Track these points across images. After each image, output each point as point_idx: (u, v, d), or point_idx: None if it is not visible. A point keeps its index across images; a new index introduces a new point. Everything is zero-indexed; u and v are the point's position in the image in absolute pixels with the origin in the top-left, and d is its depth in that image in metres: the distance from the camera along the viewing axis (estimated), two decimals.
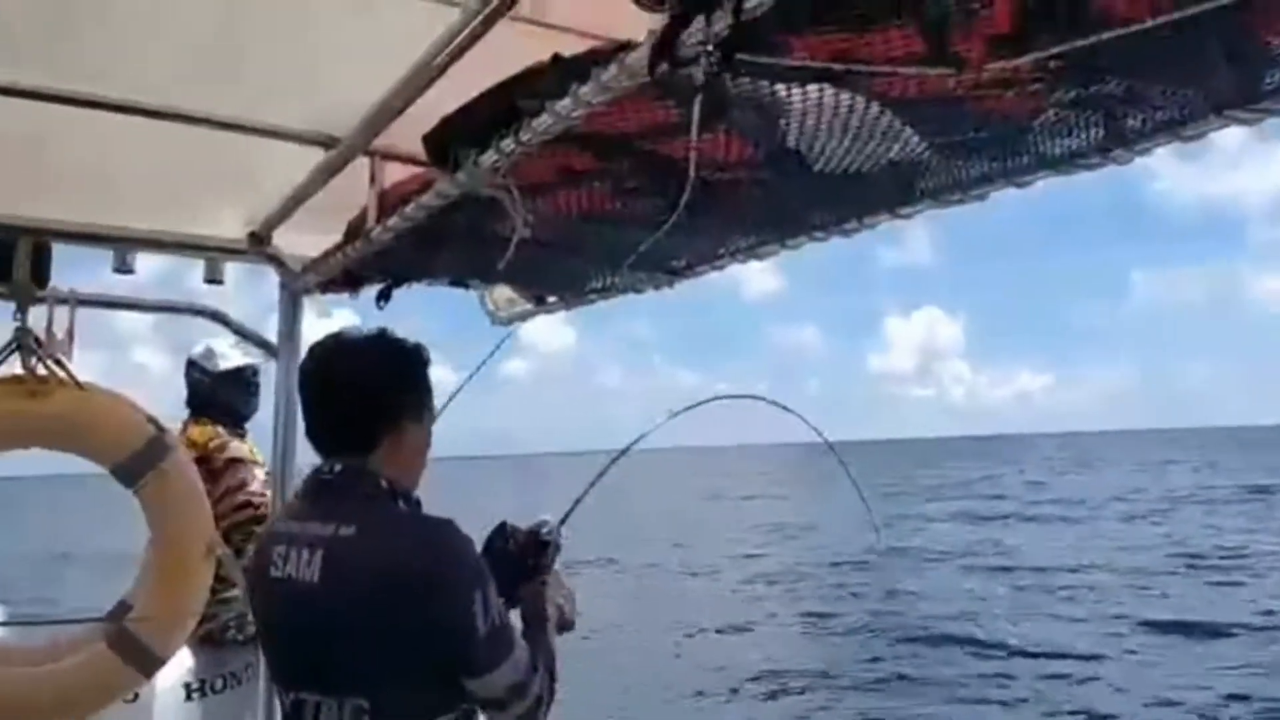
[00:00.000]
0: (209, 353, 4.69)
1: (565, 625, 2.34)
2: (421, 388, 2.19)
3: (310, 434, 2.14)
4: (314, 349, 2.17)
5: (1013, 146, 1.68)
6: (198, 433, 4.52)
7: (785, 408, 2.95)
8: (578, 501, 2.59)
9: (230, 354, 4.68)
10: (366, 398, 2.10)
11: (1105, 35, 1.17)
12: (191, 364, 4.73)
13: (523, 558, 2.38)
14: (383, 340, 2.16)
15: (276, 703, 3.44)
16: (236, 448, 4.57)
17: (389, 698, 1.92)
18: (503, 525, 2.43)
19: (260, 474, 4.52)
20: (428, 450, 2.22)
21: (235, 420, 4.72)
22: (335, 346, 2.15)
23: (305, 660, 2.01)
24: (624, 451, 2.75)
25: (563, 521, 2.51)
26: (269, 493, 4.42)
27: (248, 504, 4.42)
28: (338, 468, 2.08)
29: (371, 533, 1.97)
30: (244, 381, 4.74)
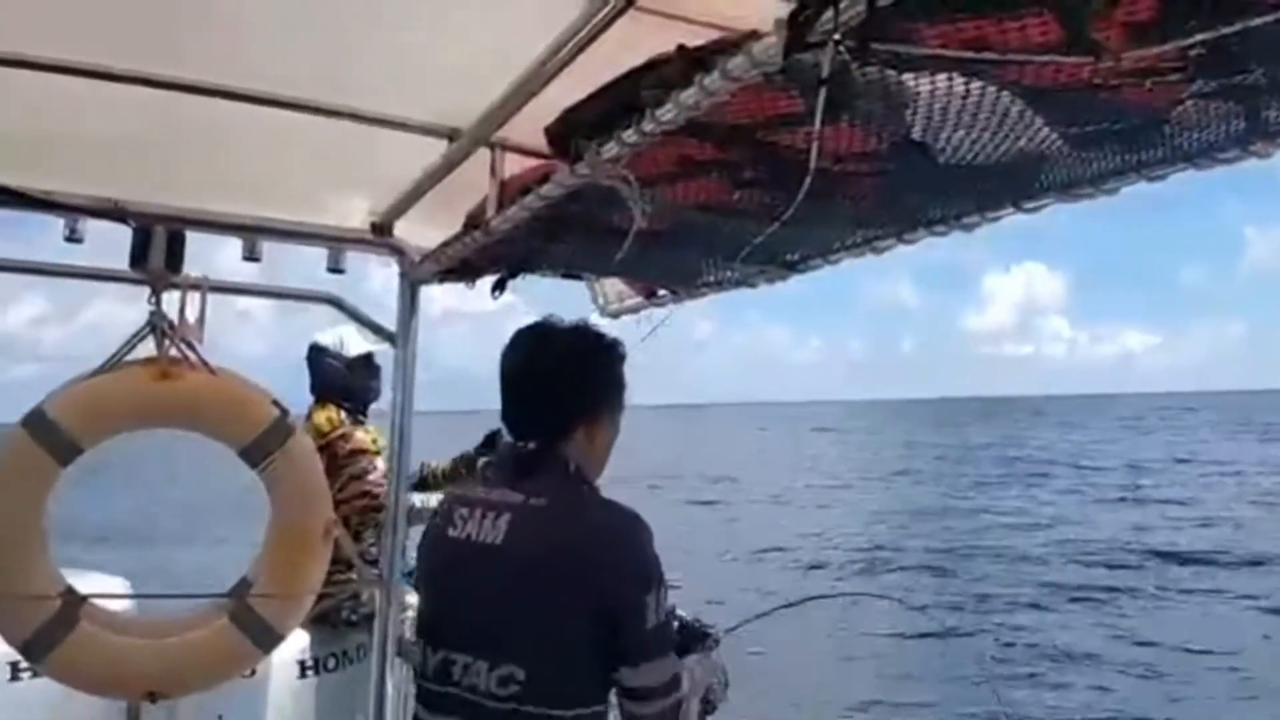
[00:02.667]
0: (340, 340, 4.82)
1: (710, 707, 2.37)
2: (619, 382, 2.29)
3: (506, 416, 2.23)
4: (518, 336, 2.25)
5: (1147, 139, 1.63)
6: (324, 419, 4.65)
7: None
8: (752, 619, 2.67)
9: (356, 340, 4.80)
10: (567, 386, 2.20)
11: (1253, 21, 1.13)
12: (321, 350, 4.85)
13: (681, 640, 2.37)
14: (586, 332, 2.26)
15: (389, 681, 3.56)
16: (360, 438, 4.69)
17: (543, 671, 1.95)
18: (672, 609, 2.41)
19: (381, 464, 4.62)
20: (614, 443, 2.30)
21: (361, 405, 4.84)
22: (540, 335, 2.24)
23: (466, 620, 2.06)
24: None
25: (732, 630, 2.64)
26: (388, 484, 4.54)
27: (366, 493, 4.53)
28: (533, 446, 2.16)
29: (562, 507, 2.05)
30: (372, 366, 4.86)
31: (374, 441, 4.72)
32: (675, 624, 2.36)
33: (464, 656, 2.01)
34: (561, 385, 2.19)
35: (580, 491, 2.13)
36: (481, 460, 4.72)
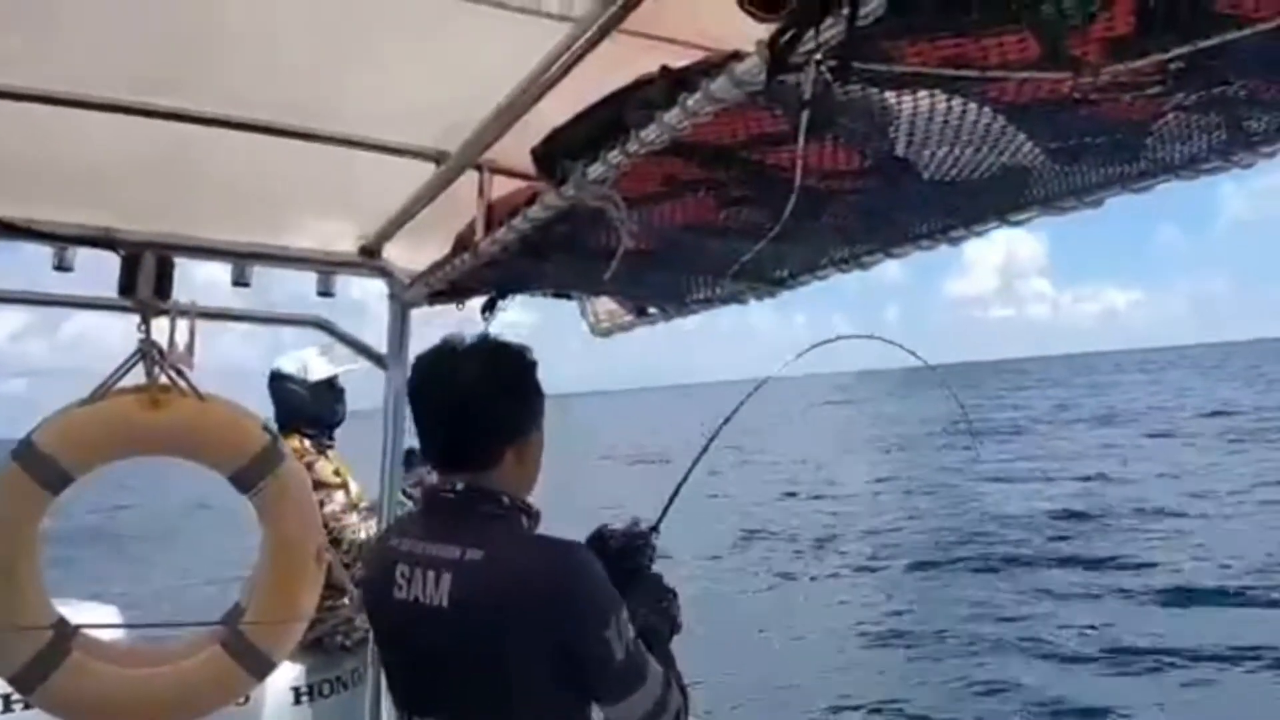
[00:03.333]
0: (303, 365, 4.75)
1: (675, 629, 2.27)
2: (537, 392, 2.12)
3: (426, 450, 2.10)
4: (422, 361, 2.10)
5: (1129, 151, 1.65)
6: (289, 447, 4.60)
7: (900, 345, 3.29)
8: (674, 496, 2.57)
9: (318, 364, 4.75)
10: (488, 414, 2.03)
11: (1230, 35, 1.14)
12: (283, 377, 4.75)
13: (620, 561, 2.26)
14: (492, 348, 2.10)
15: (384, 706, 3.55)
16: (321, 469, 4.57)
17: None
18: (599, 530, 2.36)
19: (340, 498, 4.55)
20: (543, 450, 2.16)
21: (326, 430, 4.79)
22: (446, 358, 2.07)
23: (431, 684, 2.00)
24: (733, 413, 2.78)
25: (661, 519, 2.47)
26: (345, 517, 4.50)
27: (324, 526, 4.48)
28: (459, 486, 2.02)
29: (499, 557, 1.92)
30: (336, 389, 4.81)
31: (335, 473, 4.64)
32: (607, 545, 2.29)
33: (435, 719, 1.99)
34: (484, 415, 2.03)
35: (515, 532, 2.02)
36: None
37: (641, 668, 1.96)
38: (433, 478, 2.18)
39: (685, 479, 2.61)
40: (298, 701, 4.50)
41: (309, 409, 4.73)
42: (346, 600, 4.24)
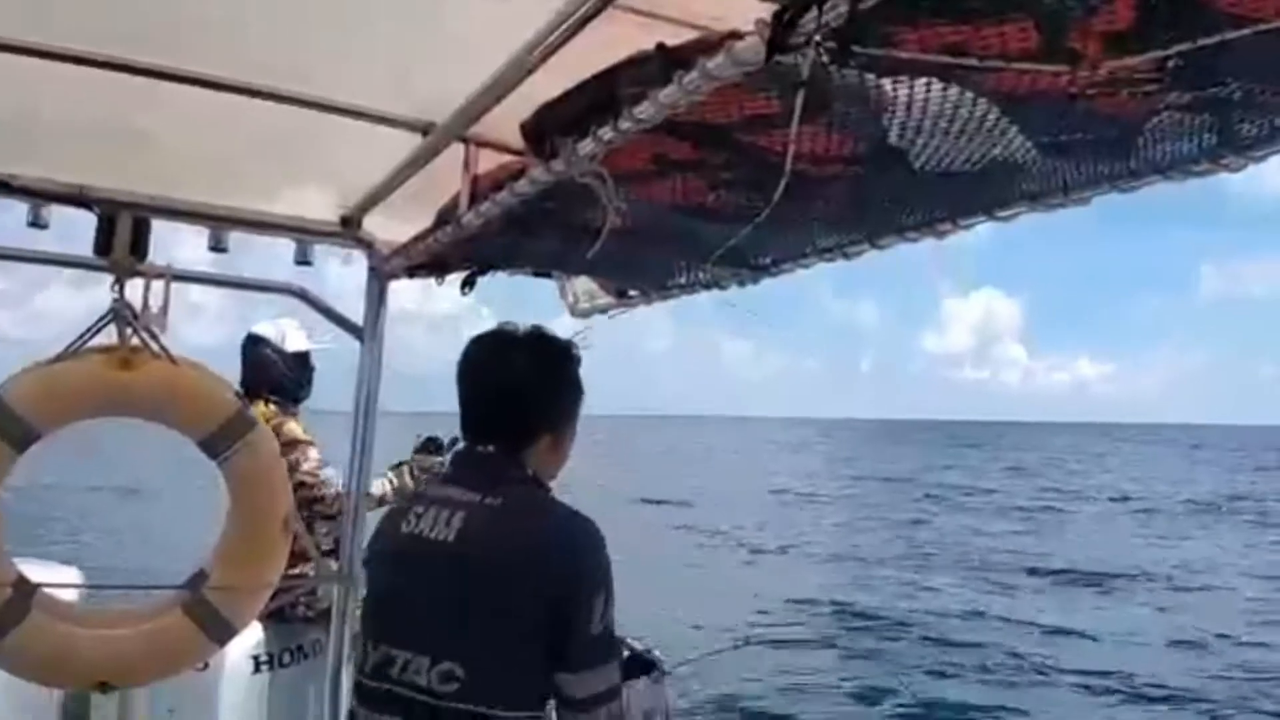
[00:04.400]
0: (281, 333, 4.76)
1: None
2: (579, 388, 2.31)
3: (466, 423, 2.22)
4: (478, 342, 2.26)
5: (1120, 149, 1.65)
6: (258, 411, 4.59)
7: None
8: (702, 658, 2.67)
9: (297, 336, 4.76)
10: (534, 397, 2.20)
11: (1230, 34, 1.14)
12: (260, 340, 4.79)
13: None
14: (547, 340, 2.27)
15: (344, 677, 3.53)
16: (292, 429, 4.63)
17: (485, 669, 1.93)
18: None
19: (314, 453, 4.59)
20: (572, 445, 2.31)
21: (292, 401, 4.79)
22: (502, 343, 2.25)
23: (410, 615, 2.04)
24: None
25: (681, 665, 2.71)
26: (323, 471, 4.51)
27: (302, 484, 4.48)
28: (492, 448, 2.16)
29: (517, 508, 2.04)
30: (308, 365, 4.82)
31: (305, 431, 4.68)
32: (625, 653, 2.36)
33: (405, 653, 2.00)
34: (529, 396, 2.20)
35: (536, 494, 2.14)
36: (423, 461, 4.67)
37: (609, 652, 2.03)
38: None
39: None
40: (257, 669, 4.50)
41: (279, 377, 4.74)
42: (310, 569, 4.22)
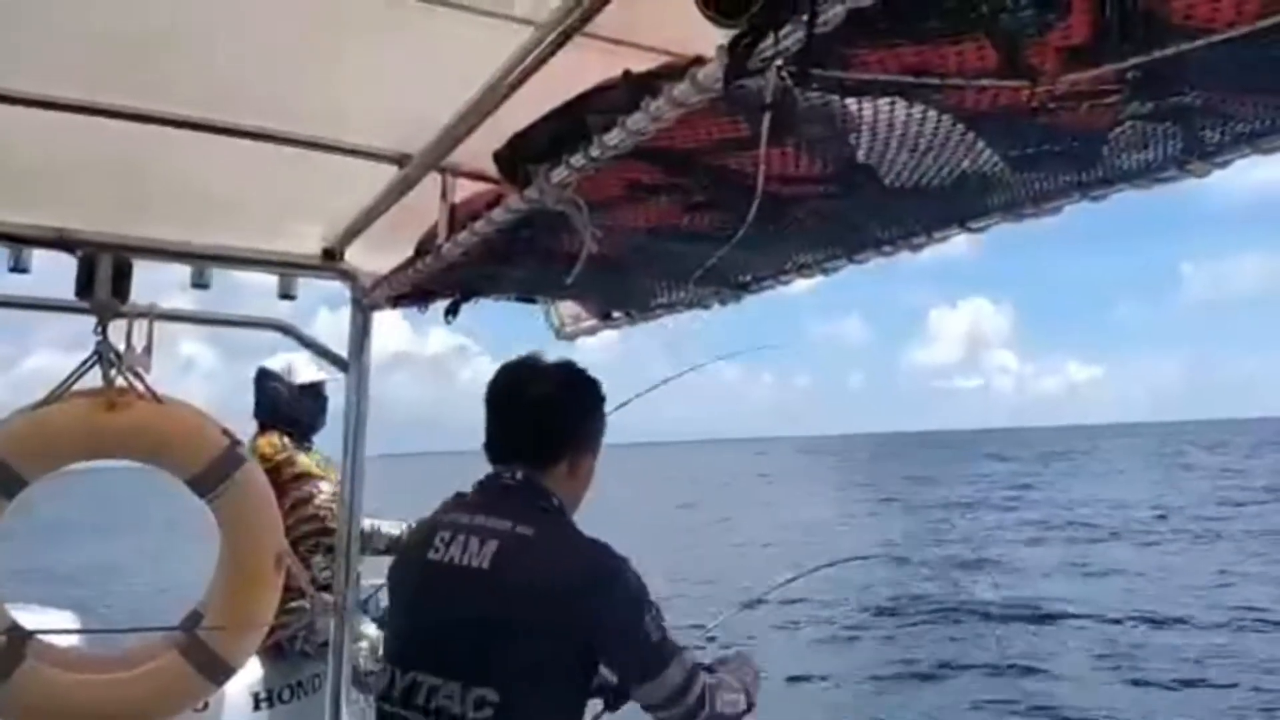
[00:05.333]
0: (288, 367, 4.78)
1: (750, 705, 2.35)
2: (602, 422, 2.36)
3: (491, 442, 2.27)
4: (506, 367, 2.33)
5: (1087, 160, 1.66)
6: (266, 445, 4.60)
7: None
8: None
9: (306, 369, 4.76)
10: (560, 415, 2.27)
11: (1184, 46, 1.15)
12: (268, 375, 4.82)
13: None
14: (574, 368, 2.33)
15: (344, 712, 3.52)
16: (304, 461, 4.65)
17: (519, 696, 1.95)
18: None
19: (327, 487, 4.59)
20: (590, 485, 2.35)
21: (305, 434, 4.79)
22: (531, 366, 2.32)
23: (443, 642, 2.05)
24: None
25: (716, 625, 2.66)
26: (336, 504, 4.49)
27: (315, 516, 4.49)
28: (519, 475, 2.19)
29: (549, 537, 2.06)
30: (319, 396, 4.82)
31: (318, 464, 4.68)
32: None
33: (434, 679, 2.01)
34: (555, 414, 2.26)
35: (564, 526, 2.16)
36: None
37: (670, 649, 2.07)
38: None
39: None
40: (257, 707, 4.47)
41: (288, 410, 4.76)
42: (307, 604, 4.21)
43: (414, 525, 2.39)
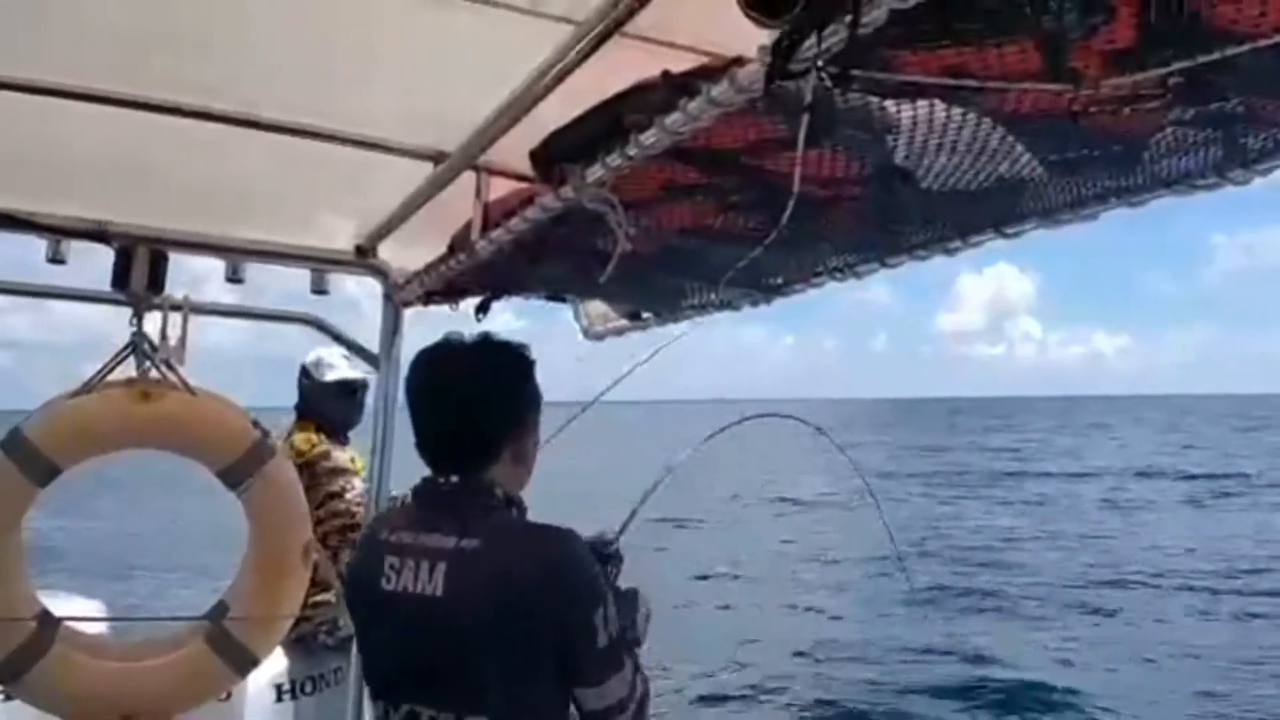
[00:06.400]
0: (318, 362, 4.79)
1: (635, 643, 2.24)
2: (535, 392, 2.16)
3: (424, 446, 2.09)
4: (422, 358, 2.12)
5: (1127, 165, 1.65)
6: (301, 438, 4.62)
7: (818, 429, 3.28)
8: (634, 513, 2.60)
9: (339, 364, 4.77)
10: (489, 409, 2.07)
11: (1229, 51, 1.15)
12: (303, 370, 4.83)
13: None
14: (494, 345, 2.12)
15: (366, 705, 3.53)
16: (338, 457, 4.66)
17: (512, 712, 1.92)
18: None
19: (359, 484, 4.60)
20: (538, 451, 2.19)
21: (337, 430, 4.81)
22: (446, 355, 2.10)
23: (422, 673, 1.99)
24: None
25: (621, 532, 2.51)
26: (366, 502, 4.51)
27: (345, 511, 4.51)
28: (454, 479, 2.04)
29: (497, 545, 1.94)
30: (348, 393, 4.81)
31: (352, 461, 4.70)
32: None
33: (428, 710, 1.96)
34: (481, 410, 2.06)
35: (511, 521, 2.04)
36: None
37: (622, 652, 2.00)
38: None
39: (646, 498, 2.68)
40: (280, 699, 4.49)
41: (319, 407, 4.76)
42: (332, 597, 4.23)
43: (358, 542, 2.27)
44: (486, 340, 2.13)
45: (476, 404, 2.05)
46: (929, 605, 17.02)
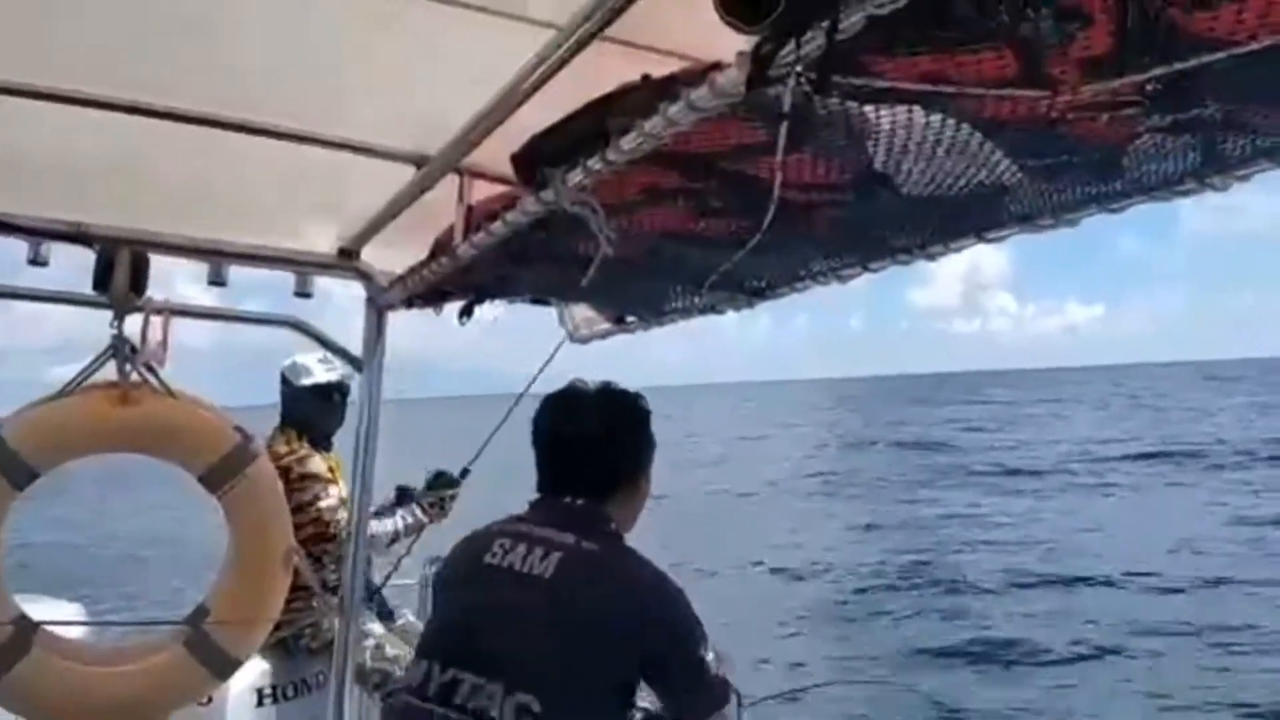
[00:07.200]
0: (294, 367, 4.77)
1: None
2: (652, 441, 2.38)
3: (547, 478, 2.29)
4: (553, 401, 2.36)
5: (1106, 171, 1.65)
6: (280, 444, 4.59)
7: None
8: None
9: (315, 369, 4.74)
10: (615, 451, 2.29)
11: (1206, 58, 1.15)
12: (281, 376, 4.81)
13: None
14: (622, 396, 2.35)
15: (348, 708, 3.52)
16: (315, 464, 4.62)
17: (562, 706, 1.95)
18: None
19: (335, 492, 4.57)
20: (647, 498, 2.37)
21: (317, 435, 4.77)
22: (579, 400, 2.35)
23: (488, 643, 2.05)
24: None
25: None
26: (342, 514, 4.47)
27: (318, 519, 4.47)
28: (578, 501, 2.21)
29: (613, 557, 2.11)
30: (326, 398, 4.78)
31: (330, 470, 4.66)
32: None
33: (476, 678, 1.99)
34: (610, 451, 2.28)
35: (627, 550, 2.18)
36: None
37: (715, 675, 2.09)
38: None
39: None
40: (261, 703, 4.47)
41: (297, 412, 4.73)
42: (315, 603, 4.21)
43: (466, 536, 2.39)
44: (611, 388, 2.37)
45: (603, 450, 2.28)
46: None
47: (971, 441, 41.49)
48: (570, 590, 2.01)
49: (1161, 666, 12.17)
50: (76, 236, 3.20)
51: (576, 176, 1.85)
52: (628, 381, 2.38)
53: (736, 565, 18.64)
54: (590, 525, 2.16)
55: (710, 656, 2.07)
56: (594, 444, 2.28)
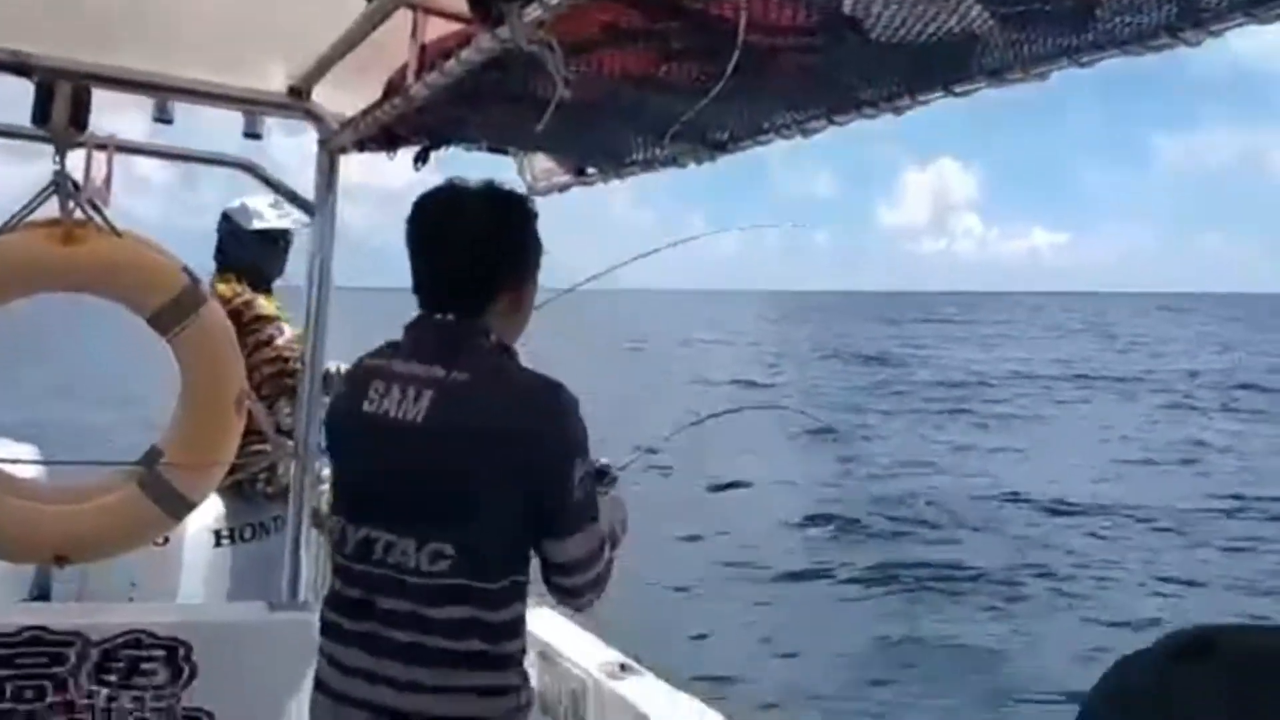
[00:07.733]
0: (244, 209, 4.66)
1: (614, 544, 2.31)
2: (537, 242, 2.21)
3: (420, 287, 2.13)
4: (427, 200, 2.14)
5: (1078, 23, 1.60)
6: (224, 288, 4.50)
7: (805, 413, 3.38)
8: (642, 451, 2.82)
9: (266, 213, 4.65)
10: (491, 254, 2.11)
11: None
12: (225, 218, 4.69)
13: None
14: (500, 193, 2.16)
15: (303, 553, 3.56)
16: (262, 305, 4.57)
17: (474, 546, 1.94)
18: None
19: (288, 329, 4.54)
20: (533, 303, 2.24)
21: (261, 280, 4.70)
22: (453, 199, 2.14)
23: (389, 498, 2.01)
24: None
25: (623, 468, 2.65)
26: (297, 346, 4.45)
27: (277, 358, 4.45)
28: (450, 317, 2.07)
29: (485, 382, 1.99)
30: (274, 243, 4.71)
31: (277, 309, 4.63)
32: None
33: (387, 535, 1.97)
34: (486, 254, 2.09)
35: (503, 364, 2.08)
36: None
37: (592, 510, 2.05)
38: None
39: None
40: (218, 544, 4.52)
41: (243, 254, 4.64)
42: (268, 447, 4.21)
43: (344, 370, 2.31)
44: (492, 187, 2.16)
45: (481, 247, 2.09)
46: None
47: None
48: (445, 430, 1.95)
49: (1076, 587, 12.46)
50: (13, 66, 3.06)
51: (533, 12, 1.77)
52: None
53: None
54: (461, 347, 2.03)
55: (581, 478, 2.00)
56: (475, 243, 2.08)
